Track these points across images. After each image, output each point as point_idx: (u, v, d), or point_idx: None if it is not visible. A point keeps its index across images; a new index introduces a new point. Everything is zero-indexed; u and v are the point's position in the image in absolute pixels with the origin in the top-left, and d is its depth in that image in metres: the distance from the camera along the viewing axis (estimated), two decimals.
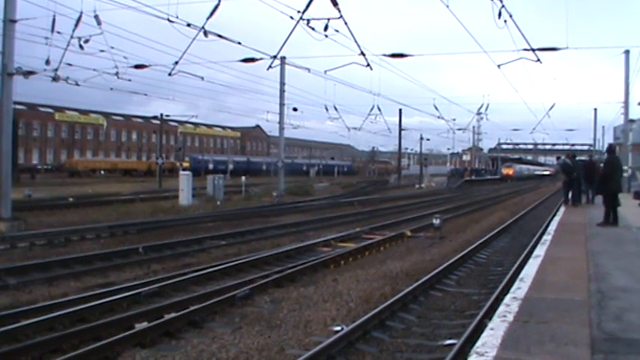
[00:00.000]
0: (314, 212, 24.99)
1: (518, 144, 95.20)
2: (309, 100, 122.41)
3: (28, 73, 18.50)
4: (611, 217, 13.35)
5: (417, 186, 56.33)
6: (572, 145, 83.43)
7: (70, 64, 20.57)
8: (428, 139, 68.96)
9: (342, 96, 55.57)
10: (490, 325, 5.05)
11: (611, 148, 15.13)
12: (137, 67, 21.51)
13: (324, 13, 16.92)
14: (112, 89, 26.68)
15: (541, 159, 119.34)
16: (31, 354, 6.31)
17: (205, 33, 17.29)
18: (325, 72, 24.86)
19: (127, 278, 10.73)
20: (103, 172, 66.31)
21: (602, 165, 18.01)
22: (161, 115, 48.84)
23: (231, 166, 65.73)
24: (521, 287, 6.52)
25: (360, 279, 10.48)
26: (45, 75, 19.70)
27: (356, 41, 18.30)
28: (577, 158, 20.90)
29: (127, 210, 22.88)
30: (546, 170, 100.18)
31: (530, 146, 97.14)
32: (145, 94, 32.06)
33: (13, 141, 20.06)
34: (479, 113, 46.78)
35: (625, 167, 33.04)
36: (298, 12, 16.49)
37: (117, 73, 21.05)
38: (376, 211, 26.57)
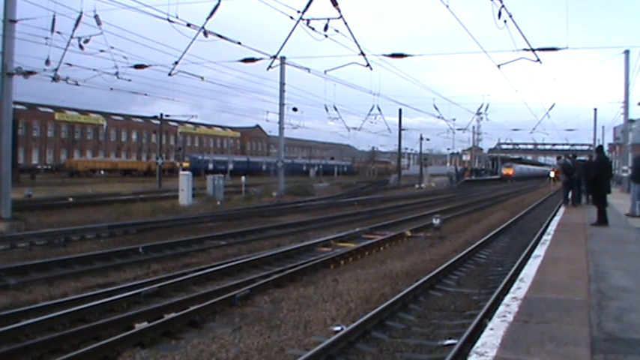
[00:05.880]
0: (314, 212, 24.99)
1: (518, 144, 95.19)
2: (309, 100, 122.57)
3: (28, 73, 18.51)
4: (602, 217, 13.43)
5: (417, 186, 56.33)
6: (572, 145, 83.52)
7: (70, 64, 20.57)
8: (428, 139, 69.05)
9: (342, 96, 55.63)
10: (490, 325, 5.04)
11: (600, 149, 15.14)
12: (137, 67, 21.50)
13: (324, 13, 16.96)
14: (112, 89, 26.68)
15: (541, 159, 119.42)
16: (31, 354, 6.31)
17: (205, 33, 17.28)
18: (325, 72, 24.88)
19: (127, 278, 10.73)
20: (102, 172, 66.32)
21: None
22: (161, 115, 48.82)
23: (231, 166, 65.79)
24: (521, 287, 6.51)
25: (360, 279, 10.48)
26: (45, 75, 19.72)
27: (356, 41, 18.32)
28: (577, 158, 20.91)
29: (127, 210, 22.86)
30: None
31: (530, 146, 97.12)
32: (145, 94, 32.09)
33: (13, 141, 20.05)
34: (479, 113, 46.76)
35: (625, 167, 33.10)
36: (298, 12, 16.50)
37: (117, 73, 21.04)
38: (376, 211, 26.57)
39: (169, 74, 20.73)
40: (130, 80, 22.48)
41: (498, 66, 20.45)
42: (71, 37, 18.46)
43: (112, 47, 19.70)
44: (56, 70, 19.63)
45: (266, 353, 6.49)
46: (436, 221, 18.68)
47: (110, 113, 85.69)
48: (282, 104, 33.82)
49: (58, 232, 15.26)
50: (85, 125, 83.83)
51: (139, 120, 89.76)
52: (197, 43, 17.76)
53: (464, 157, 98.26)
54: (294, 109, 35.96)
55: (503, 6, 15.07)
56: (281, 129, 34.52)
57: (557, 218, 16.12)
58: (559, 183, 28.63)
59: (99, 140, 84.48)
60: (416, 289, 9.44)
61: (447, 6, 15.41)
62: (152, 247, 13.66)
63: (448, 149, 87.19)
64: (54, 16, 18.03)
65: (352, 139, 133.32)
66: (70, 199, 27.63)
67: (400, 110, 60.29)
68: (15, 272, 10.52)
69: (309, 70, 27.77)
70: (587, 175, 17.77)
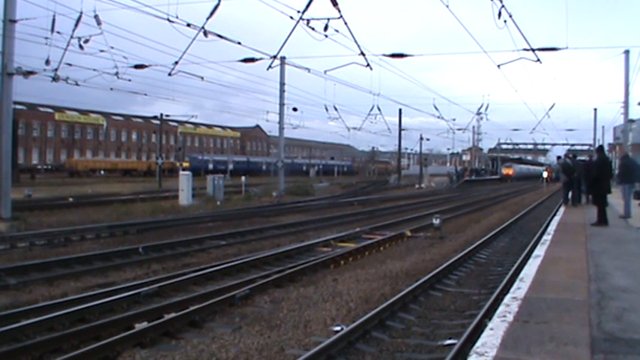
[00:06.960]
0: (314, 212, 24.99)
1: (518, 144, 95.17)
2: (309, 100, 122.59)
3: (28, 73, 18.52)
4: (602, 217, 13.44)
5: (417, 186, 56.34)
6: (572, 145, 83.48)
7: (70, 64, 20.58)
8: (428, 139, 69.09)
9: (342, 96, 55.64)
10: (490, 325, 5.05)
11: (601, 149, 15.12)
12: (137, 67, 21.52)
13: (324, 13, 16.98)
14: (112, 89, 26.70)
15: (541, 159, 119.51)
16: (31, 354, 6.30)
17: (205, 33, 17.29)
18: (325, 72, 24.92)
19: (127, 278, 10.73)
20: (102, 172, 66.33)
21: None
22: (161, 115, 48.83)
23: (231, 166, 65.80)
24: (521, 287, 6.51)
25: (360, 279, 10.48)
26: (45, 75, 19.73)
27: (356, 41, 18.35)
28: (577, 158, 20.94)
29: (127, 210, 22.87)
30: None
31: (530, 146, 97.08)
32: (145, 94, 32.09)
33: (13, 141, 20.05)
34: (479, 113, 46.80)
35: None
36: (298, 12, 16.52)
37: (117, 73, 21.05)
38: (376, 211, 26.56)
39: (169, 74, 20.76)
40: (130, 80, 22.51)
41: (498, 66, 20.47)
42: (71, 37, 18.49)
43: (112, 47, 19.74)
44: (56, 70, 19.65)
45: (266, 353, 6.49)
46: (436, 221, 18.67)
47: (110, 113, 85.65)
48: (282, 104, 33.83)
49: (58, 232, 15.26)
50: (85, 125, 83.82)
51: (139, 120, 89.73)
52: (197, 43, 17.80)
53: (464, 157, 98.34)
54: (294, 109, 36.00)
55: (503, 6, 15.09)
56: (281, 129, 34.53)
57: (557, 218, 16.13)
58: (555, 183, 28.62)
59: (99, 140, 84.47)
60: (416, 289, 9.44)
61: (447, 6, 15.43)
62: (152, 247, 13.66)
63: (448, 149, 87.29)
64: (54, 16, 18.06)
65: (352, 139, 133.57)
66: (70, 199, 27.63)
67: (400, 110, 60.43)
68: (15, 272, 10.52)
69: (309, 70, 27.82)
70: (587, 175, 17.81)
